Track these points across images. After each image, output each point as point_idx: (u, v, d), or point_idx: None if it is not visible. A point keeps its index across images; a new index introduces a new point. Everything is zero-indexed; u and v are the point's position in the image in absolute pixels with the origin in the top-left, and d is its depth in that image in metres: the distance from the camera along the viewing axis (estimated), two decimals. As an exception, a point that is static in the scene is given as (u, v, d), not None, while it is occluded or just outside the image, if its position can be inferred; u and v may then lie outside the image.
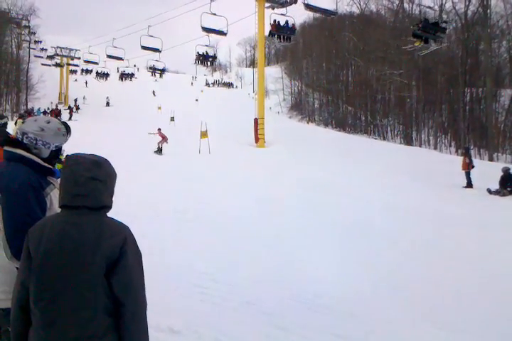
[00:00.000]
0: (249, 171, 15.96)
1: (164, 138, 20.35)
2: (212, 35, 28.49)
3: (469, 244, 7.71)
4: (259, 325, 4.21)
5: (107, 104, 49.94)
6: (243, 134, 26.53)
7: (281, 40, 27.86)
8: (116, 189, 1.89)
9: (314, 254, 6.65)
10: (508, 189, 13.74)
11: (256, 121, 25.82)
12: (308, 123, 56.14)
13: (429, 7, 24.86)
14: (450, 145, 39.20)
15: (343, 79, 54.41)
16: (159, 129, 20.89)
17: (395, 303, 4.96)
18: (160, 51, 31.65)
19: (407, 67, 41.39)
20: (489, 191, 13.90)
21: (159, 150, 20.08)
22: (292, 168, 16.63)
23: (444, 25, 20.95)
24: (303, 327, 4.21)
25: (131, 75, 44.28)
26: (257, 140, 25.23)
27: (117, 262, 1.63)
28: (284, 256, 6.46)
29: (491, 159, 30.84)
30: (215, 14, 25.35)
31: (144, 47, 30.64)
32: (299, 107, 63.80)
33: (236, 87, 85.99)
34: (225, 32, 27.35)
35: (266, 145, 24.63)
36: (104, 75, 49.50)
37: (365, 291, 5.28)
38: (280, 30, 26.58)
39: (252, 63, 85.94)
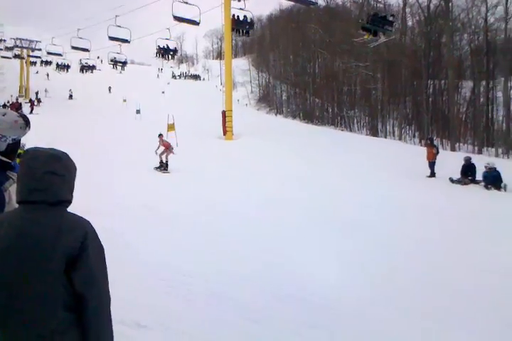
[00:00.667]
0: (220, 164, 15.82)
1: (168, 148, 14.82)
2: (183, 25, 28.12)
3: (461, 238, 7.69)
4: (231, 318, 4.17)
5: (70, 96, 48.60)
6: (211, 127, 26.33)
7: (240, 35, 28.44)
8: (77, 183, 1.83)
9: (302, 251, 6.54)
10: (470, 178, 14.20)
11: (224, 113, 25.67)
12: (276, 115, 56.34)
13: (376, 1, 25.45)
14: (414, 136, 40.10)
15: (310, 71, 54.73)
16: (160, 135, 15.12)
17: (390, 303, 4.86)
18: (129, 42, 30.77)
19: (373, 60, 41.99)
20: (451, 180, 14.32)
21: (164, 166, 14.61)
22: (262, 161, 16.63)
23: (391, 18, 21.70)
24: (280, 321, 4.17)
25: (93, 67, 42.99)
26: (225, 132, 25.10)
27: (78, 257, 1.60)
28: (268, 253, 6.33)
29: (453, 149, 31.76)
30: (186, 3, 24.85)
31: (111, 38, 29.76)
32: (267, 99, 63.88)
33: (203, 79, 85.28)
34: (198, 21, 26.97)
35: (234, 137, 24.51)
36: (65, 67, 48.01)
37: (358, 289, 5.21)
38: (239, 25, 27.09)
39: (219, 55, 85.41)
